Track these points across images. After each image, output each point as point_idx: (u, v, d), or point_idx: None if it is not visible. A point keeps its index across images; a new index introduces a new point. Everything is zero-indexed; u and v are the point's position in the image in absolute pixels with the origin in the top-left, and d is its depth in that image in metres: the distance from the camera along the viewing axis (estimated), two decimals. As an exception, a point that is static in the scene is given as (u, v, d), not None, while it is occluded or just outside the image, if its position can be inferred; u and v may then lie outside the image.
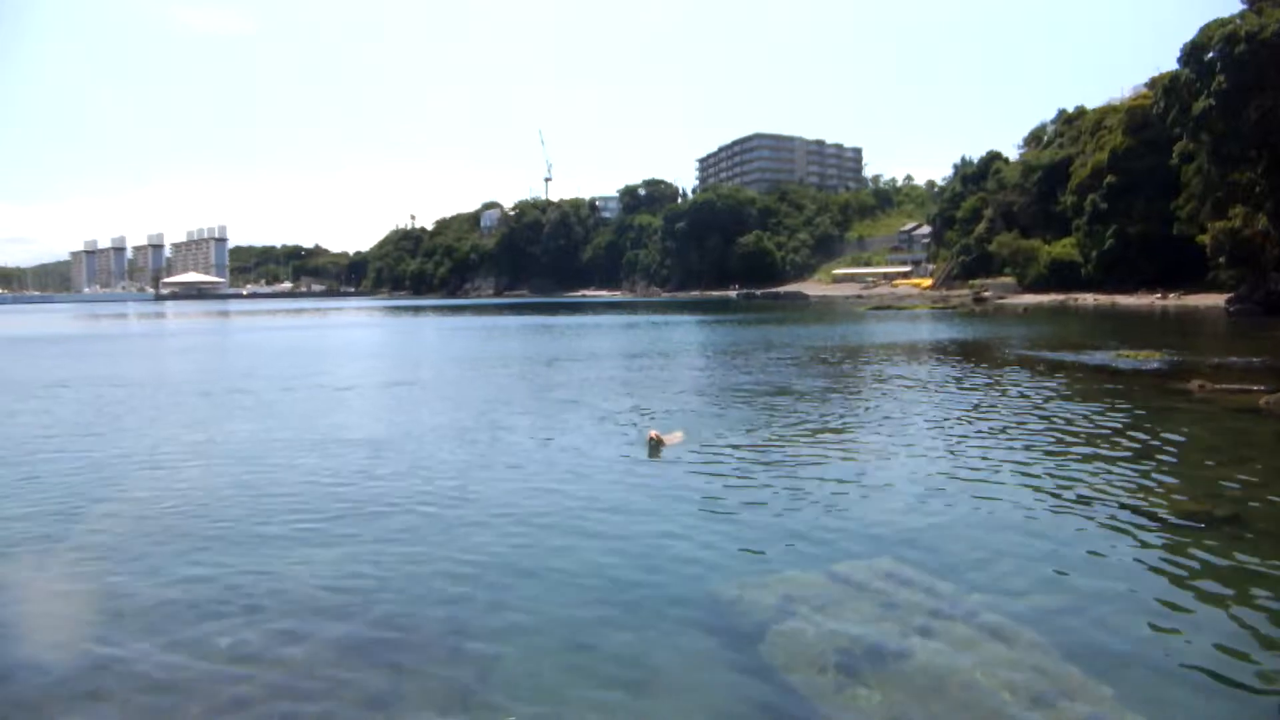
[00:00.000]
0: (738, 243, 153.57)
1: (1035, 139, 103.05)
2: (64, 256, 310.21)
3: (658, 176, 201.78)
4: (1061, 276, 78.39)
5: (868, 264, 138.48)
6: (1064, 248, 79.98)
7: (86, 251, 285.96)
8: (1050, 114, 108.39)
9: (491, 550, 7.91)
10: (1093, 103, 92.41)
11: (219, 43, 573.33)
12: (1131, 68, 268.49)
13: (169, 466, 12.12)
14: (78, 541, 8.53)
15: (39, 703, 5.26)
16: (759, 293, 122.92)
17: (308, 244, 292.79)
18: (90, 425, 15.89)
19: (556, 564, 7.55)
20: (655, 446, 11.79)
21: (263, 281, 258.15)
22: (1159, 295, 64.54)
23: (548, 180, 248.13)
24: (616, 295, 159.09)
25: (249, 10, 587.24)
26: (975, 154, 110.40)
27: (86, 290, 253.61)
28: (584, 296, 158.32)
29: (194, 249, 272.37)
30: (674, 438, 12.21)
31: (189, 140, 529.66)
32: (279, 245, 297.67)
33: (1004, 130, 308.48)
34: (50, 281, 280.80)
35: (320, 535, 8.56)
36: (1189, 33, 60.15)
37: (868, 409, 16.16)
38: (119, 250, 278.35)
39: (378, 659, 5.77)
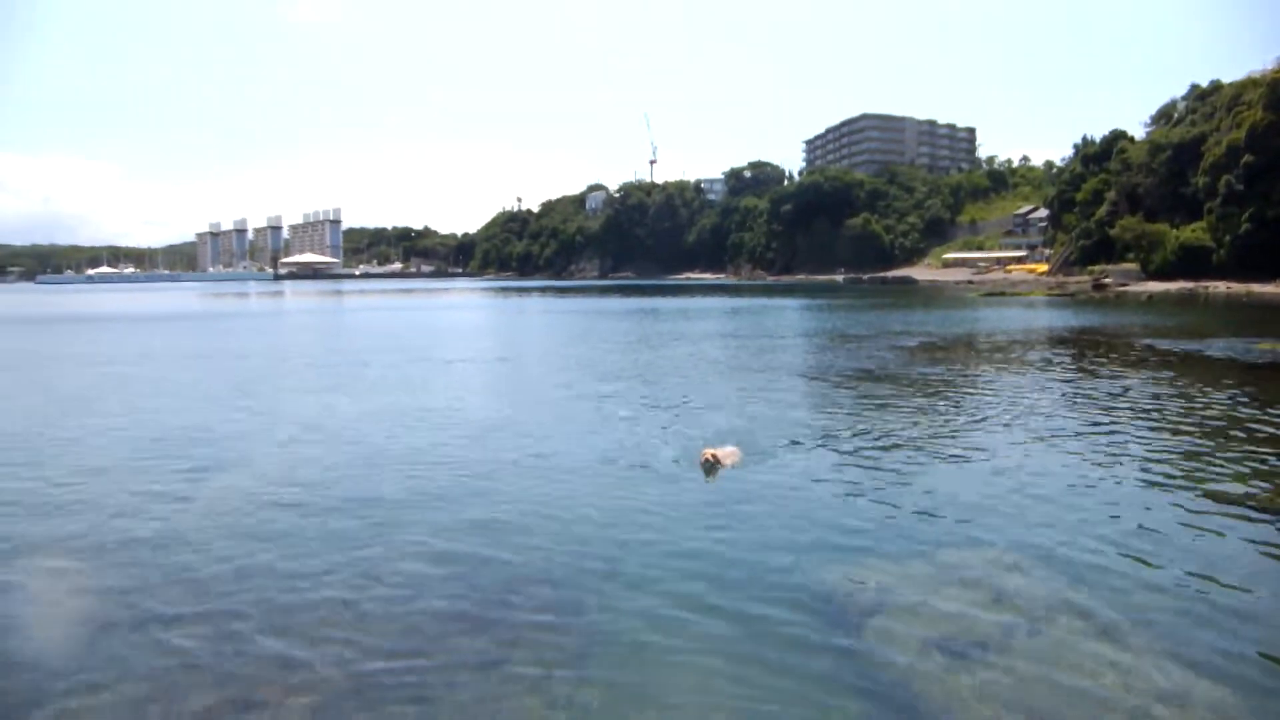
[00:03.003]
0: (845, 225, 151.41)
1: (1164, 116, 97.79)
2: (191, 238, 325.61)
3: (763, 159, 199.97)
4: (1190, 263, 74.60)
5: (980, 248, 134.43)
6: (1194, 232, 76.08)
7: (211, 233, 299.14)
8: (1182, 89, 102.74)
9: (588, 535, 8.02)
10: (1229, 76, 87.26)
11: (329, 31, 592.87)
12: (1273, 37, 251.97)
13: (291, 434, 12.88)
14: (204, 501, 9.12)
15: (166, 624, 5.83)
16: (866, 277, 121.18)
17: (417, 226, 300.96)
18: (220, 394, 17.18)
19: (655, 551, 7.54)
20: (711, 466, 10.47)
21: (374, 262, 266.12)
22: (1300, 284, 60.74)
23: (653, 163, 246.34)
24: (721, 278, 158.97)
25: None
26: (1098, 133, 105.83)
27: (211, 270, 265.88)
28: (688, 279, 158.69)
29: (310, 230, 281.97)
30: (729, 453, 10.88)
31: (307, 126, 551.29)
32: (390, 227, 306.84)
33: (1130, 107, 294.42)
34: (178, 261, 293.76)
35: (428, 505, 8.98)
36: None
37: (980, 399, 15.93)
38: (240, 232, 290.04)
39: (485, 625, 6.03)
